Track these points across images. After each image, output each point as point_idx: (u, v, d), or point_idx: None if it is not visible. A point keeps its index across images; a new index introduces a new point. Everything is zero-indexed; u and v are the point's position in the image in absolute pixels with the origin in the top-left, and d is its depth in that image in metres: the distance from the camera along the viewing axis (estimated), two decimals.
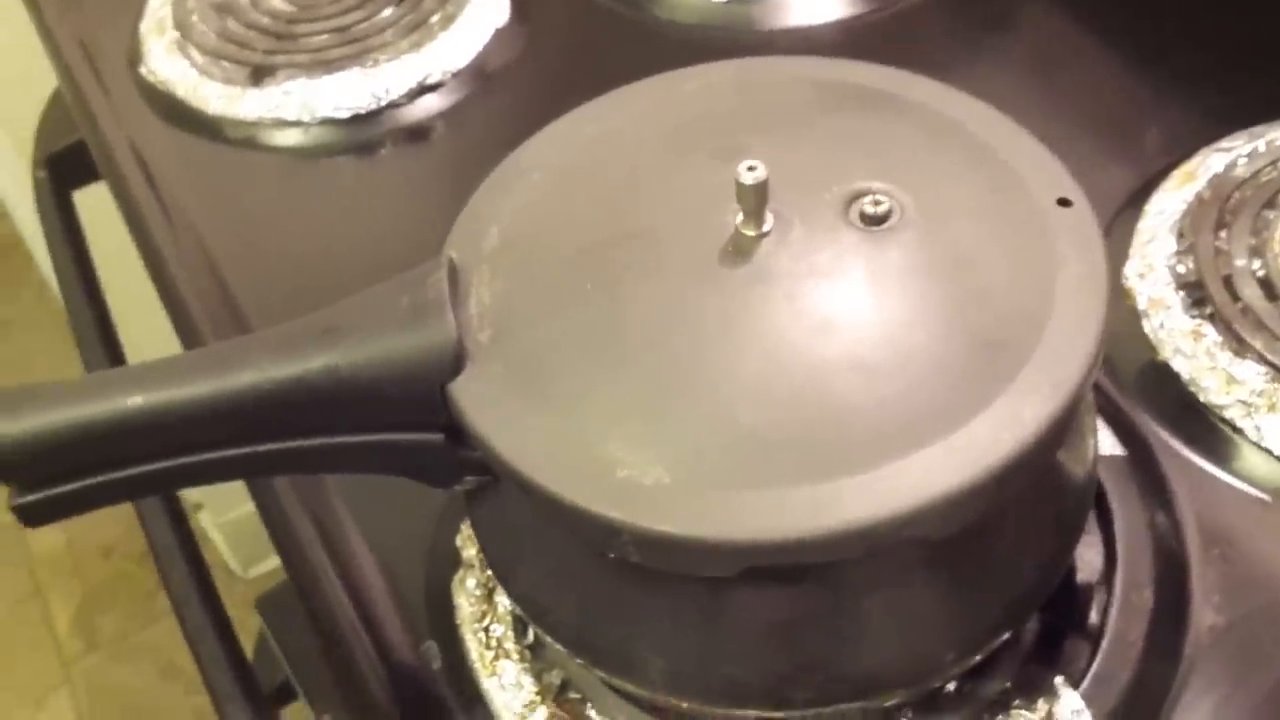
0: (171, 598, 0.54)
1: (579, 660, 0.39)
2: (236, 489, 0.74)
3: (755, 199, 0.35)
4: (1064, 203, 0.37)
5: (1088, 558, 0.44)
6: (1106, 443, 0.46)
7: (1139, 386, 0.47)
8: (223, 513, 1.31)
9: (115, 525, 1.29)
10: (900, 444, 0.33)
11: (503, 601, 0.44)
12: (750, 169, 0.35)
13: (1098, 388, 0.46)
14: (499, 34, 0.63)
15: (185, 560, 0.56)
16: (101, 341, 0.65)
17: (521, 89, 0.60)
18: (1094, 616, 0.42)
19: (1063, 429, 0.34)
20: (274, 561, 0.85)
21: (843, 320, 0.35)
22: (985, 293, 0.35)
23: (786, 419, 0.34)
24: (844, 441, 0.33)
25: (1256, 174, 0.50)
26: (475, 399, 0.35)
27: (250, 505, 0.77)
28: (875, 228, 0.36)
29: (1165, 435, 0.46)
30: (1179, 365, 0.47)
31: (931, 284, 0.35)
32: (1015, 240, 0.36)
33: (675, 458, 0.33)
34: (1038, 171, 0.38)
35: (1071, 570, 0.43)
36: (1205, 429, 0.46)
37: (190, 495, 1.20)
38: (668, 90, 0.41)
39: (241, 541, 1.32)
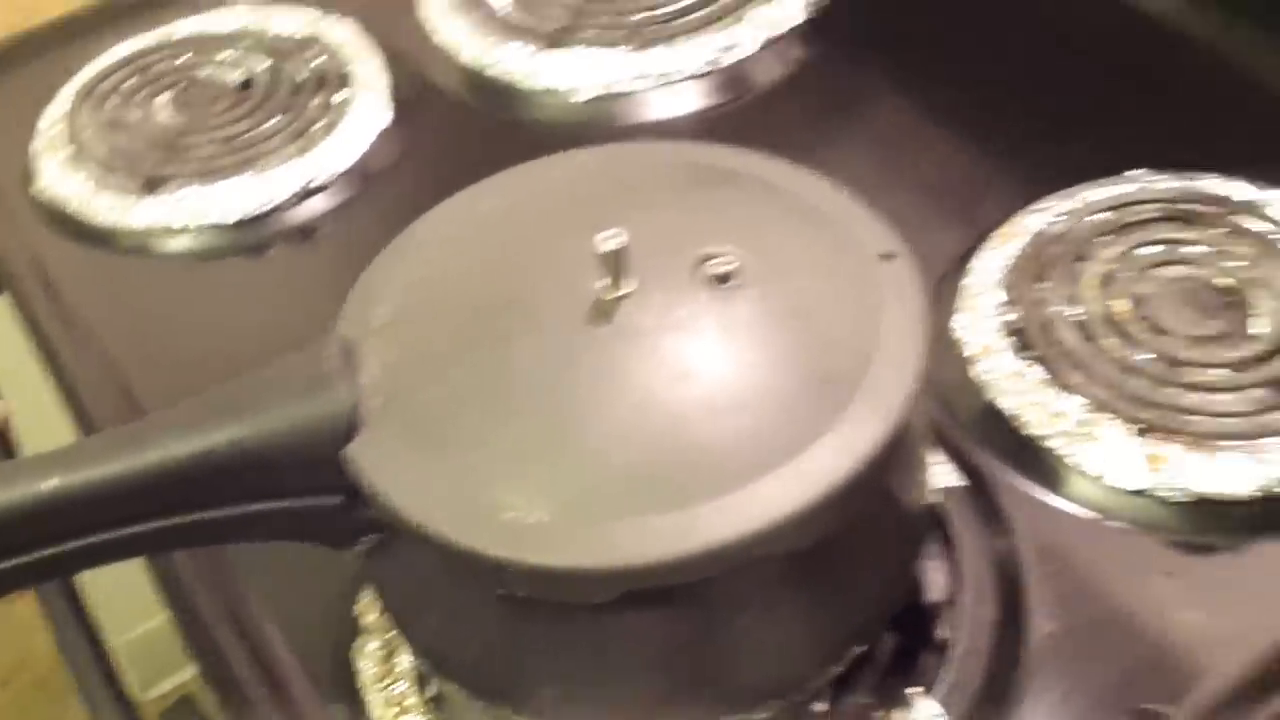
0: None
1: (480, 702, 0.43)
2: (136, 606, 0.76)
3: (615, 265, 0.40)
4: (887, 257, 0.42)
5: (935, 580, 0.48)
6: (948, 476, 0.51)
7: (974, 425, 0.52)
8: (122, 632, 1.31)
9: (11, 653, 1.28)
10: (750, 472, 0.37)
11: (402, 661, 0.48)
12: (609, 238, 0.39)
13: (937, 428, 0.51)
14: (381, 136, 0.67)
15: (102, 683, 0.58)
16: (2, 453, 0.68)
17: (403, 187, 0.65)
18: (944, 632, 0.47)
19: (891, 451, 0.39)
20: (173, 680, 0.87)
21: (696, 368, 0.39)
22: (819, 337, 0.40)
23: (651, 457, 0.38)
24: (702, 473, 0.37)
25: (1069, 230, 0.56)
26: (369, 460, 0.39)
27: (147, 624, 0.78)
28: (722, 285, 0.41)
29: (1000, 467, 0.51)
30: (1007, 404, 0.52)
31: (772, 331, 0.40)
32: (845, 290, 0.41)
33: (555, 498, 0.37)
34: (864, 231, 0.43)
35: (921, 591, 0.48)
36: (1034, 459, 0.51)
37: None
38: (540, 173, 0.46)
39: (140, 661, 1.31)
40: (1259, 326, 0.53)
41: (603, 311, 0.40)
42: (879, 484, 0.41)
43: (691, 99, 0.68)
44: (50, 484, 0.38)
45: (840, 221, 0.43)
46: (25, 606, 0.94)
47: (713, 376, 0.39)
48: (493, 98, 0.69)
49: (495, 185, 0.45)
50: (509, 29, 0.70)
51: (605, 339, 0.40)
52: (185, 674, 0.88)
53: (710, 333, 0.40)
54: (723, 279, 0.41)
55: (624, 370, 0.39)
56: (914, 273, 0.42)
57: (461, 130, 0.69)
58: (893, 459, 0.41)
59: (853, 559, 0.41)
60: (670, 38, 0.69)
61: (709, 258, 0.41)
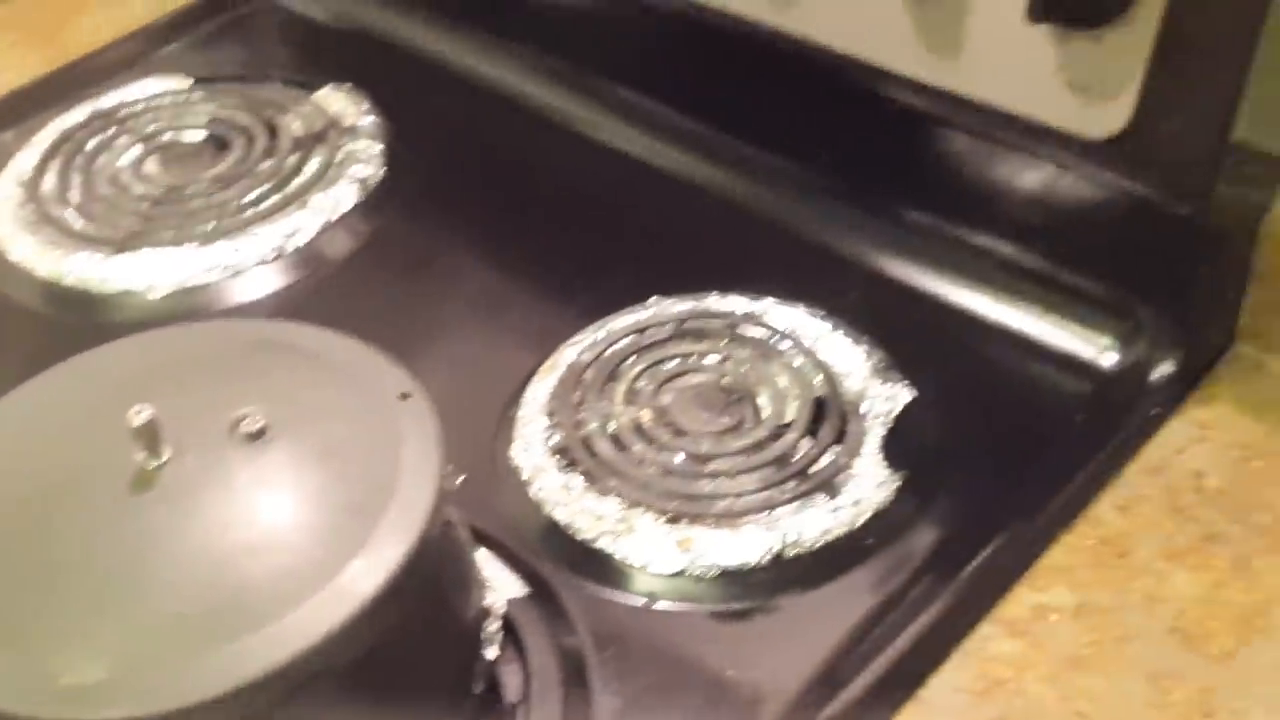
0: None
1: None
2: None
3: (148, 437, 0.44)
4: (404, 396, 0.48)
5: (511, 681, 0.54)
6: (515, 587, 0.56)
7: (534, 538, 0.58)
8: None
9: None
10: (291, 599, 0.42)
11: None
12: (139, 413, 0.44)
13: (502, 546, 0.57)
14: None
15: None
16: None
17: None
18: None
19: (424, 562, 0.44)
20: None
21: (233, 519, 0.44)
22: (346, 474, 0.46)
23: (198, 603, 0.42)
24: (247, 609, 0.42)
25: (599, 356, 0.64)
26: None
27: None
28: (254, 441, 0.46)
29: (561, 572, 0.57)
30: (559, 514, 0.58)
31: (303, 475, 0.46)
32: (368, 430, 0.47)
33: (111, 656, 0.41)
34: (383, 377, 0.49)
35: (499, 693, 0.53)
36: (588, 560, 0.57)
37: None
38: (82, 365, 0.50)
39: None
40: (763, 416, 0.61)
41: (144, 481, 0.45)
42: (421, 595, 0.46)
43: (264, 283, 0.73)
44: None
45: (362, 372, 0.49)
46: None
47: (250, 523, 0.44)
48: (70, 306, 0.72)
49: (38, 383, 0.49)
50: (81, 240, 0.74)
51: (148, 505, 0.44)
52: None
53: (245, 485, 0.45)
54: (255, 436, 0.46)
55: (168, 530, 0.44)
56: (428, 407, 0.48)
57: (44, 342, 0.71)
58: (429, 571, 0.46)
59: (412, 666, 0.47)
60: (236, 230, 0.74)
61: (241, 419, 0.46)
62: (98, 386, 0.49)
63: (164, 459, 0.45)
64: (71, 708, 0.40)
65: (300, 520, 0.45)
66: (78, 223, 0.76)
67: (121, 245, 0.73)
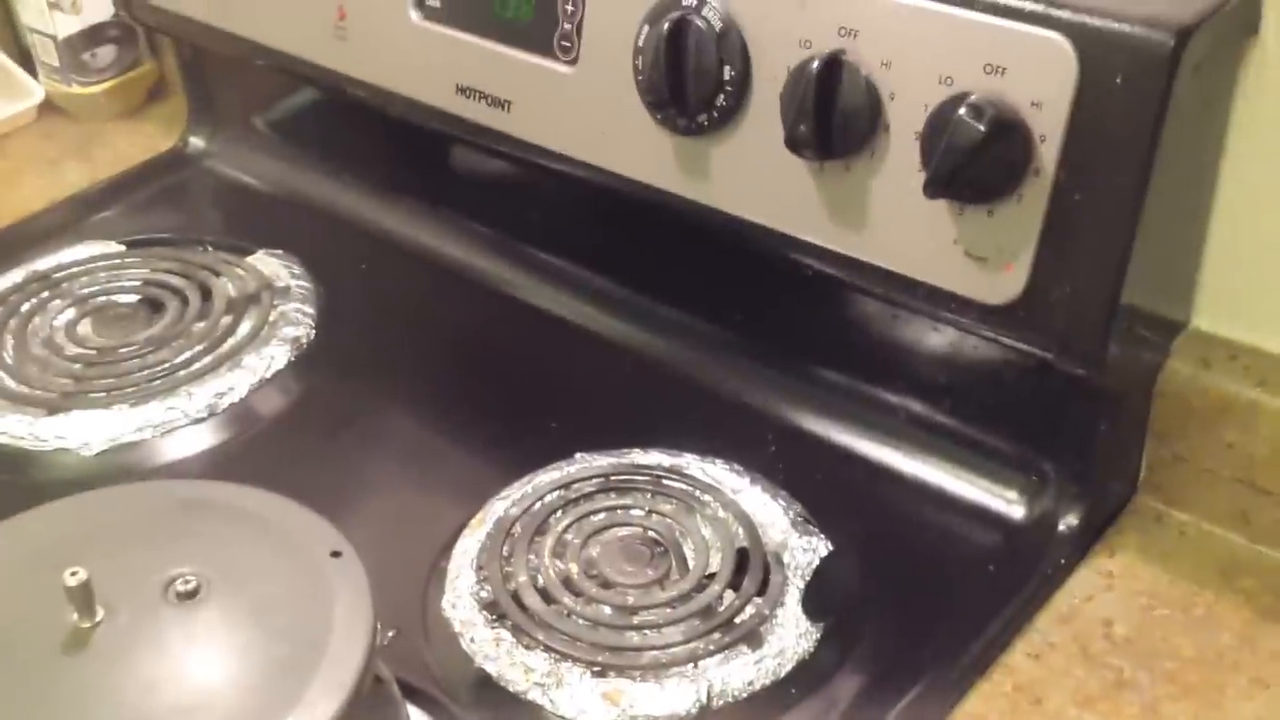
0: None
1: None
2: None
3: (82, 597, 0.45)
4: (336, 554, 0.50)
5: None
6: None
7: (467, 691, 0.59)
8: None
9: None
10: None
11: None
12: (73, 574, 0.45)
13: (435, 701, 0.58)
14: None
15: None
16: None
17: None
18: None
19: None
20: None
21: (165, 677, 0.45)
22: (279, 631, 0.47)
23: None
24: None
25: (527, 509, 0.66)
26: None
27: None
28: (188, 601, 0.47)
29: None
30: (490, 667, 0.59)
31: (235, 633, 0.46)
32: (300, 588, 0.48)
33: None
34: (314, 535, 0.50)
35: None
36: (519, 711, 0.58)
37: None
38: (15, 528, 0.51)
39: None
40: (688, 566, 0.63)
41: (76, 641, 0.45)
42: None
43: (196, 441, 0.74)
44: None
45: (294, 530, 0.50)
46: None
47: (183, 682, 0.45)
48: (4, 465, 0.73)
49: None
50: (12, 400, 0.75)
51: (81, 665, 0.45)
52: None
53: (177, 644, 0.46)
54: (188, 595, 0.47)
55: (101, 690, 0.44)
56: (358, 564, 0.49)
57: None
58: None
59: None
60: (170, 390, 0.75)
61: (175, 579, 0.47)
62: (32, 548, 0.50)
63: (97, 619, 0.46)
64: None
65: (233, 678, 0.45)
66: (10, 383, 0.77)
67: (54, 406, 0.74)
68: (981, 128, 0.55)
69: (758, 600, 0.61)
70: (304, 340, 0.80)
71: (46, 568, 0.47)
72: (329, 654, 0.46)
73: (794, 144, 0.62)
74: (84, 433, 0.73)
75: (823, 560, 0.63)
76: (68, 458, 0.73)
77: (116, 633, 0.46)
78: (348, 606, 0.48)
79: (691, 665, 0.58)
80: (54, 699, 0.44)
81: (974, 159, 0.56)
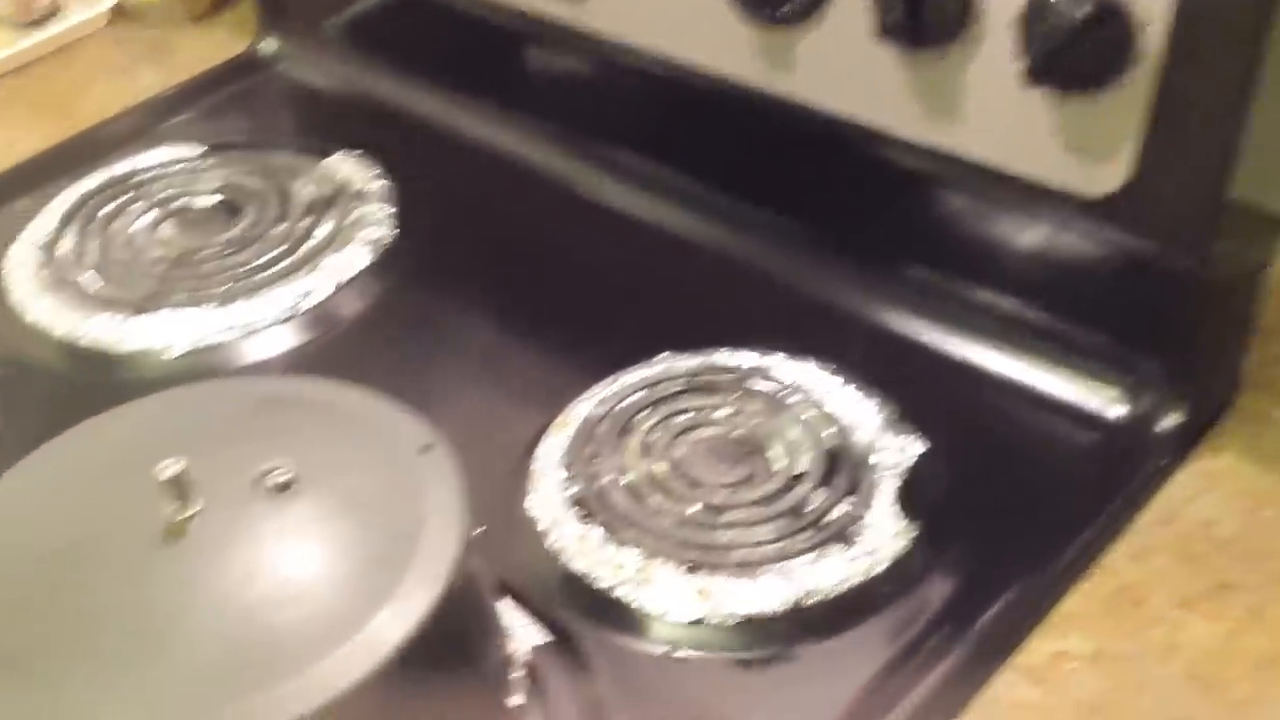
0: None
1: None
2: None
3: (178, 489, 0.45)
4: (426, 449, 0.49)
5: None
6: (535, 636, 0.57)
7: (552, 588, 0.59)
8: None
9: None
10: (322, 648, 0.43)
11: None
12: (170, 466, 0.45)
13: (522, 595, 0.58)
14: None
15: None
16: None
17: (5, 456, 0.67)
18: None
19: (451, 611, 0.45)
20: None
21: (263, 569, 0.45)
22: (372, 525, 0.46)
23: (231, 652, 0.43)
24: (278, 658, 0.43)
25: (612, 410, 0.65)
26: None
27: None
28: (282, 493, 0.47)
29: (581, 621, 0.57)
30: (577, 564, 0.59)
31: (329, 526, 0.46)
32: (392, 482, 0.48)
33: (146, 705, 0.42)
34: (404, 430, 0.50)
35: None
36: (607, 609, 0.57)
37: None
38: (110, 422, 0.51)
39: None
40: (775, 467, 0.62)
41: (174, 532, 0.45)
42: (446, 644, 0.47)
43: (278, 342, 0.74)
44: None
45: (383, 425, 0.50)
46: None
47: (279, 573, 0.45)
48: (88, 366, 0.73)
49: (70, 437, 0.50)
50: (98, 302, 0.75)
51: (178, 557, 0.45)
52: None
53: (272, 536, 0.46)
54: (282, 488, 0.47)
55: (197, 581, 0.44)
56: (450, 460, 0.49)
57: (60, 400, 0.72)
58: (454, 620, 0.47)
59: (439, 716, 0.47)
60: (252, 291, 0.75)
61: (268, 472, 0.47)
62: (125, 442, 0.50)
63: (193, 511, 0.46)
64: None
65: (326, 572, 0.45)
66: (95, 285, 0.77)
67: (138, 307, 0.74)
68: (1083, 11, 0.53)
69: (849, 500, 0.60)
70: (383, 242, 0.79)
71: (141, 461, 0.47)
72: (422, 548, 0.46)
73: (885, 32, 0.60)
74: (167, 335, 0.73)
75: (916, 460, 0.61)
76: (151, 359, 0.73)
77: (212, 524, 0.46)
78: (440, 501, 0.47)
79: (782, 563, 0.58)
80: (153, 588, 0.44)
81: (1074, 44, 0.54)
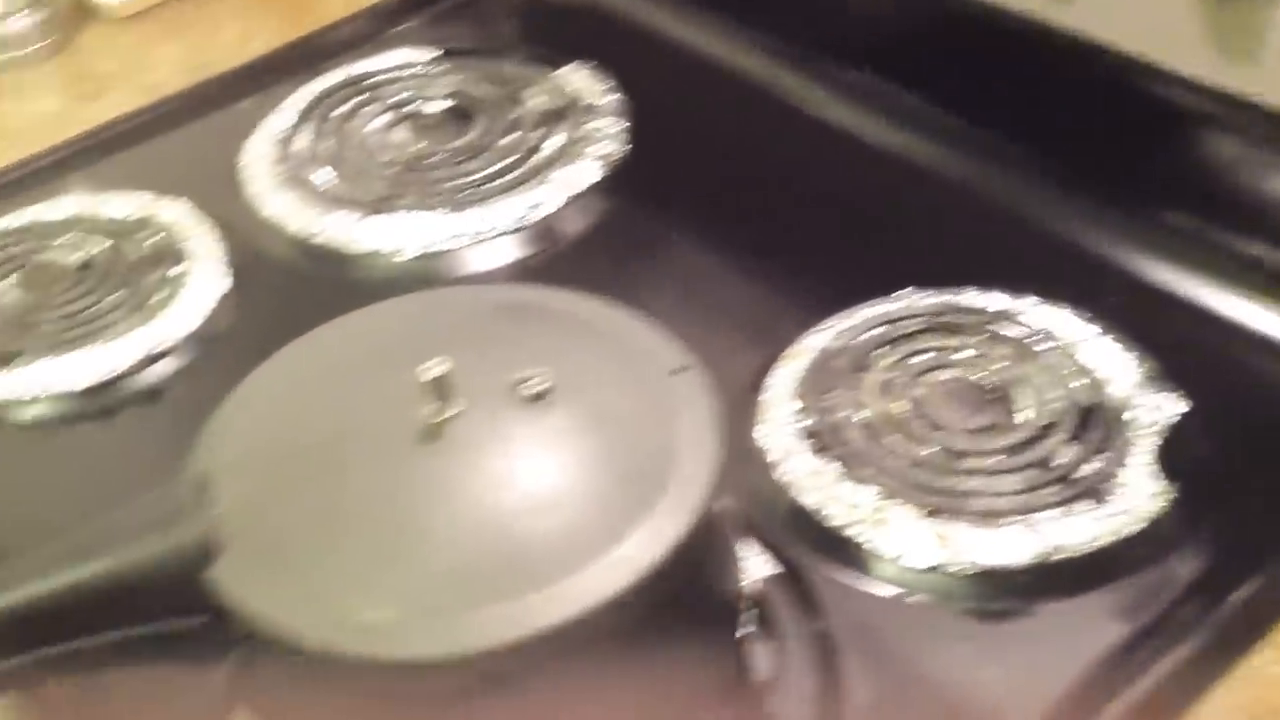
0: None
1: None
2: None
3: (440, 390, 0.45)
4: (679, 370, 0.48)
5: (761, 663, 0.53)
6: (765, 567, 0.56)
7: (783, 522, 0.57)
8: None
9: None
10: (572, 562, 0.42)
11: None
12: (433, 366, 0.44)
13: (751, 527, 0.57)
14: (220, 303, 0.71)
15: None
16: None
17: (242, 347, 0.68)
18: (771, 709, 0.51)
19: (697, 538, 0.44)
20: None
21: (517, 475, 0.45)
22: (626, 443, 0.46)
23: (482, 555, 0.43)
24: (528, 567, 0.42)
25: (850, 345, 0.63)
26: (232, 580, 0.43)
27: None
28: (537, 403, 0.46)
29: (810, 557, 0.56)
30: (809, 499, 0.57)
31: (584, 440, 0.46)
32: (645, 401, 0.47)
33: (401, 598, 0.42)
34: (658, 349, 0.49)
35: (749, 673, 0.52)
36: (838, 546, 0.56)
37: None
38: (367, 318, 0.51)
39: None
40: (1021, 417, 0.60)
41: (431, 433, 0.45)
42: (692, 569, 0.46)
43: (505, 252, 0.73)
44: None
45: (637, 343, 0.49)
46: None
47: (533, 482, 0.45)
48: (320, 262, 0.74)
49: (327, 331, 0.50)
50: (332, 200, 0.76)
51: (435, 456, 0.45)
52: None
53: (529, 444, 0.45)
54: (537, 398, 0.46)
55: (454, 482, 0.44)
56: (704, 382, 0.48)
57: (294, 293, 0.73)
58: (701, 547, 0.46)
59: (676, 639, 0.46)
60: (482, 200, 0.75)
61: (524, 380, 0.47)
62: (384, 341, 0.50)
63: (451, 413, 0.45)
64: (369, 643, 0.40)
65: (581, 485, 0.45)
66: (329, 184, 0.78)
67: (371, 208, 0.75)
68: None
69: (1102, 456, 0.57)
70: (613, 158, 0.78)
71: (400, 361, 0.47)
72: (676, 470, 0.45)
73: None
74: (398, 238, 0.73)
75: (1177, 420, 0.58)
76: (382, 261, 0.73)
77: (469, 428, 0.45)
78: (694, 425, 0.46)
79: (1028, 515, 0.55)
80: (408, 487, 0.44)
81: None
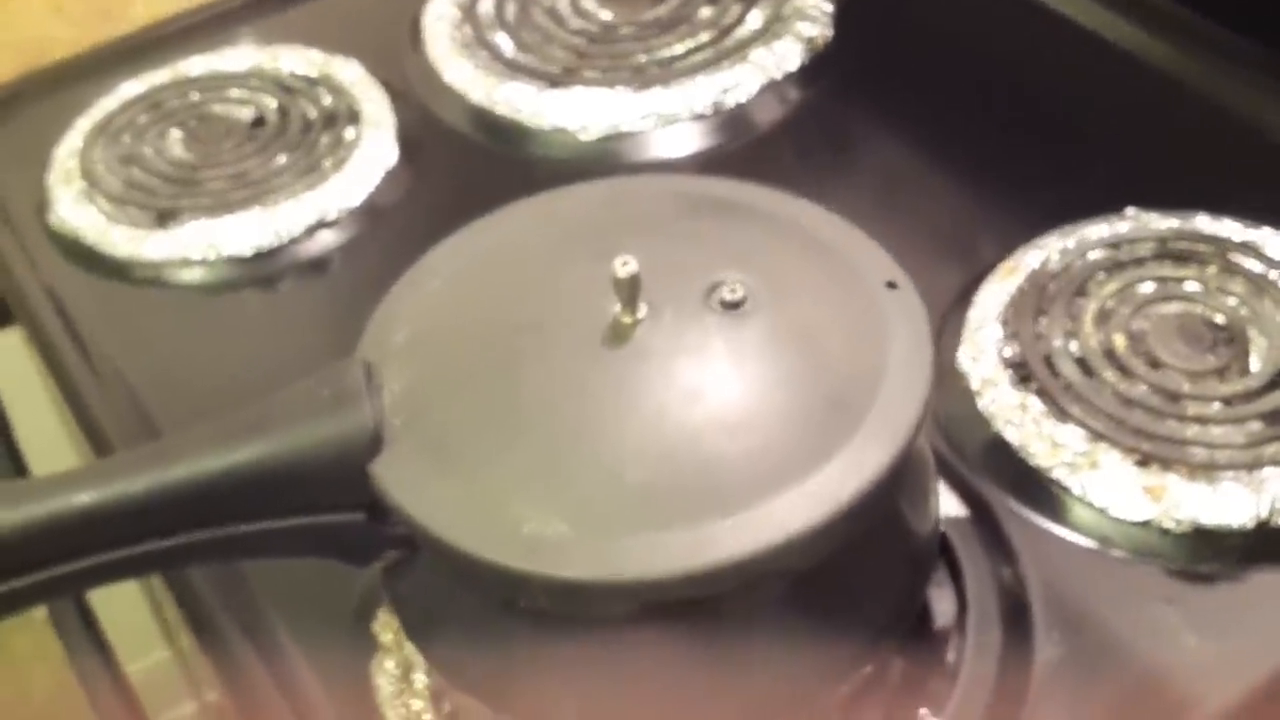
0: None
1: (497, 716, 0.44)
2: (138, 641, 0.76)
3: (629, 290, 0.41)
4: (892, 285, 0.43)
5: (942, 607, 0.49)
6: (953, 506, 0.51)
7: (978, 456, 0.53)
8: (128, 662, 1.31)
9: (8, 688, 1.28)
10: (764, 489, 0.38)
11: (419, 679, 0.48)
12: (624, 264, 0.40)
13: (941, 458, 0.52)
14: (389, 174, 0.68)
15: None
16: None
17: (412, 221, 0.66)
18: (951, 656, 0.48)
19: (899, 472, 0.40)
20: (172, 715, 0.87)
21: (708, 389, 0.40)
22: (828, 362, 0.41)
23: (665, 473, 0.39)
24: (716, 490, 0.38)
25: (1068, 267, 0.57)
26: (393, 476, 0.40)
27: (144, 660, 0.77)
28: (732, 311, 0.42)
29: (1004, 497, 0.52)
30: (1010, 435, 0.53)
31: (781, 356, 0.41)
32: (852, 317, 0.42)
33: (573, 512, 0.38)
34: (868, 260, 0.44)
35: (929, 618, 0.49)
36: (1037, 489, 0.51)
37: None
38: (551, 204, 0.47)
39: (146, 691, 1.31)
40: (1254, 362, 0.54)
41: (617, 335, 0.41)
42: (888, 506, 0.42)
43: (694, 139, 0.69)
44: (82, 498, 0.39)
45: (844, 251, 0.44)
46: (23, 639, 0.94)
47: (725, 398, 0.40)
48: (499, 135, 0.70)
49: (507, 215, 0.46)
50: (514, 69, 0.72)
51: (619, 361, 0.41)
52: (185, 709, 0.88)
53: (722, 356, 0.41)
54: (733, 305, 0.42)
55: (639, 390, 0.40)
56: (918, 301, 0.43)
57: (468, 167, 0.70)
58: (901, 482, 0.42)
59: (863, 579, 0.42)
60: (671, 79, 0.70)
61: (718, 285, 0.42)
62: (569, 229, 0.46)
63: (640, 315, 0.41)
64: (531, 559, 0.37)
65: (778, 405, 0.40)
66: (512, 51, 0.74)
67: (555, 80, 0.71)
68: None
69: None
70: (817, 42, 0.72)
71: (585, 254, 0.43)
72: (882, 397, 0.40)
73: None
74: (582, 115, 0.69)
75: None
76: (566, 139, 0.70)
77: (658, 332, 0.41)
78: (904, 347, 0.42)
79: (1254, 471, 0.50)
80: (592, 392, 0.40)
81: None
